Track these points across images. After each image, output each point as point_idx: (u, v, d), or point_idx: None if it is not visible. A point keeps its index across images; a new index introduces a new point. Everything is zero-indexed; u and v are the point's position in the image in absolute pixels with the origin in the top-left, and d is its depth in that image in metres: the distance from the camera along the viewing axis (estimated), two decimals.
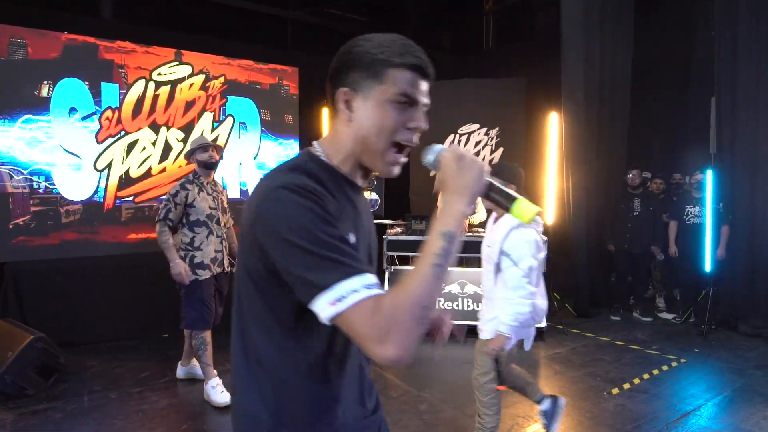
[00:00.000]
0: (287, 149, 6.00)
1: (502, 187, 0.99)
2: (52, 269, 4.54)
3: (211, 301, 3.54)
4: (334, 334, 0.98)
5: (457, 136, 6.80)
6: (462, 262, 5.31)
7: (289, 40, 6.78)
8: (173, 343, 4.45)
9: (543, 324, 4.80)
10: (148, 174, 5.07)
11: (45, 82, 4.50)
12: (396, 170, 1.02)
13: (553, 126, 6.13)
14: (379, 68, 0.95)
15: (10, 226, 4.42)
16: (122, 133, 4.91)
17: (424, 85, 0.99)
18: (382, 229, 5.39)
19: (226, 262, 3.69)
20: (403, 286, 0.85)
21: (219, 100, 5.43)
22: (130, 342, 4.68)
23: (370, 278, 0.85)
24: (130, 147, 4.96)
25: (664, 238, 5.63)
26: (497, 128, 6.77)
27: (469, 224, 5.48)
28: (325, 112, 6.59)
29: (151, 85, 5.02)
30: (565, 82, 5.72)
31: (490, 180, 0.97)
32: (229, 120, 5.52)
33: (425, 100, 1.00)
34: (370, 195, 5.82)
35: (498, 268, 2.48)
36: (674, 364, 4.33)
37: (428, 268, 0.85)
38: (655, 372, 4.14)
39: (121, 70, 4.87)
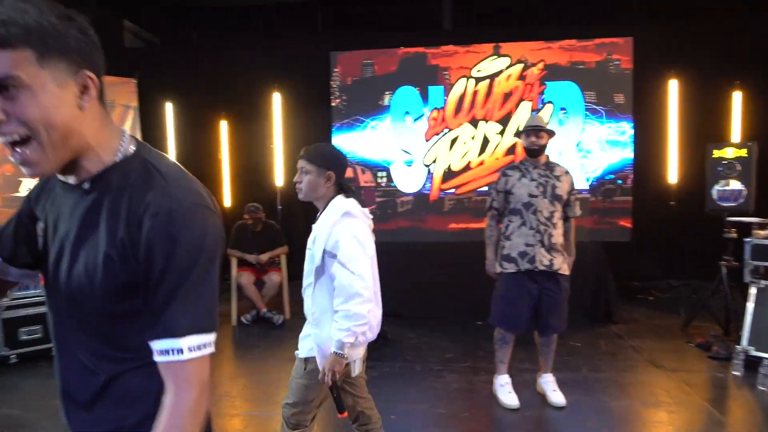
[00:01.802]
0: (617, 132, 5.24)
1: None
2: (388, 251, 5.32)
3: (517, 300, 3.20)
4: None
5: None
6: None
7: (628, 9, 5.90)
8: (484, 331, 4.56)
9: None
10: (467, 167, 5.34)
11: (386, 92, 5.35)
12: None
13: None
14: None
15: None
16: (446, 130, 5.34)
17: None
18: (746, 230, 4.05)
19: (545, 260, 3.09)
20: None
21: (537, 87, 5.22)
22: (444, 323, 5.03)
23: None
24: (452, 142, 5.34)
25: None
26: None
27: None
28: (672, 85, 5.42)
29: (471, 82, 5.27)
30: None
31: None
32: (549, 107, 5.24)
33: None
34: (728, 185, 4.42)
35: (321, 272, 1.96)
36: None
37: None
38: None
39: (445, 73, 5.29)
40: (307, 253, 2.05)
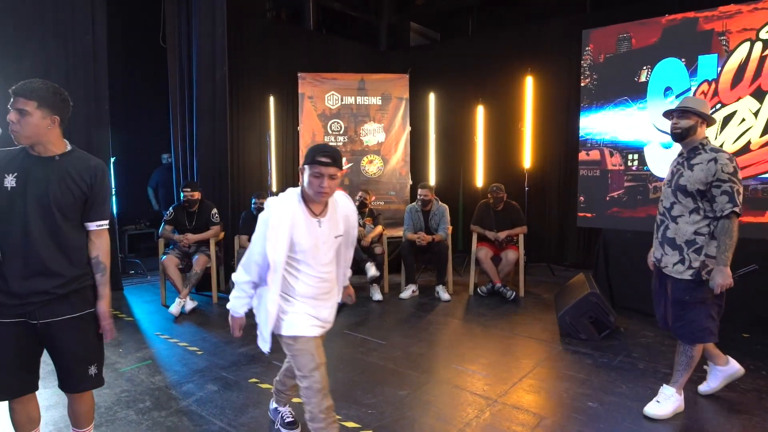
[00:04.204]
0: None
1: None
2: (633, 240, 4.95)
3: (653, 289, 3.04)
4: None
5: None
6: None
7: None
8: (747, 344, 3.94)
9: None
10: (746, 149, 4.46)
11: (644, 67, 4.87)
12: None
13: None
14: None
15: (607, 198, 5.17)
16: (718, 105, 4.55)
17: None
18: None
19: (657, 253, 2.94)
20: None
21: None
22: None
23: None
24: (727, 120, 4.53)
25: None
26: None
27: None
28: None
29: (757, 46, 4.32)
30: None
31: None
32: None
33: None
34: None
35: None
36: None
37: None
38: None
39: (722, 38, 4.48)
40: (337, 239, 2.20)
